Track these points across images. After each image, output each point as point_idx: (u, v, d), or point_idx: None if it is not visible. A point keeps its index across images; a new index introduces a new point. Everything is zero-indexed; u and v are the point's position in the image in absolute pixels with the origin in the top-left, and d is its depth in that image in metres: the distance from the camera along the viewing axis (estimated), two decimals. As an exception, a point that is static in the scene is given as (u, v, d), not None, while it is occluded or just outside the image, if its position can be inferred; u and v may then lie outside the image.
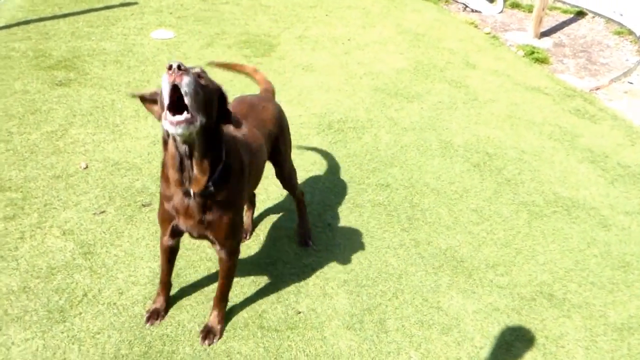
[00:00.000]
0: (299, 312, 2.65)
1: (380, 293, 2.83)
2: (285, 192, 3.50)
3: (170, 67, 1.66)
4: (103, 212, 3.14)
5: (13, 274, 2.66)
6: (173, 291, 2.65)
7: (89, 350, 2.34)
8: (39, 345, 2.33)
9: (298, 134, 4.16)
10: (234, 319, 2.57)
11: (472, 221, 3.48)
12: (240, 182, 2.19)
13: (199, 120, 1.77)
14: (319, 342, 2.51)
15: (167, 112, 1.71)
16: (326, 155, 3.95)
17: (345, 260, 3.02)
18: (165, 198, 2.15)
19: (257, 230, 3.18)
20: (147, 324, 2.47)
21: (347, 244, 3.15)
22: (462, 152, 4.22)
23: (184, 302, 2.64)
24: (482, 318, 2.76)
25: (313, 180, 3.66)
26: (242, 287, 2.76)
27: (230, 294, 2.55)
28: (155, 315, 2.51)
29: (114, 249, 2.88)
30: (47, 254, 2.81)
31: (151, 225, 3.08)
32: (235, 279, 2.75)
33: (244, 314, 2.61)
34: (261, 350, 2.44)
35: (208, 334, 2.44)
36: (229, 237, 2.24)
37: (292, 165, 2.98)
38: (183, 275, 2.78)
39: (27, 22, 5.67)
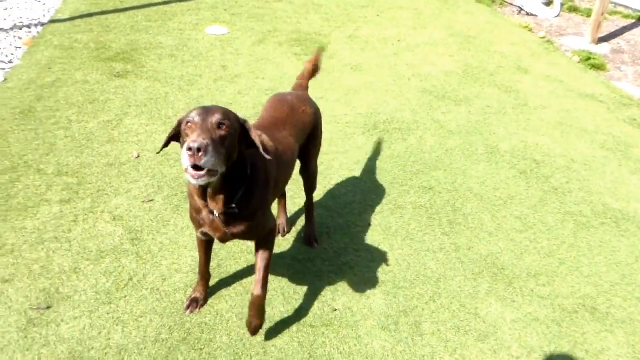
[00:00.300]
0: (335, 310, 2.68)
1: (417, 296, 2.83)
2: (324, 190, 3.54)
3: (190, 149, 1.74)
4: (151, 200, 3.26)
5: (66, 255, 2.80)
6: (213, 281, 2.73)
7: (132, 333, 2.44)
8: (86, 325, 2.46)
9: (343, 133, 4.19)
10: (271, 312, 2.63)
11: (516, 229, 3.43)
12: (265, 193, 2.27)
13: (219, 171, 1.87)
14: (353, 341, 2.53)
15: (189, 168, 1.80)
16: (370, 155, 3.97)
17: (383, 260, 3.03)
18: (194, 209, 2.24)
19: (296, 227, 3.24)
20: (187, 312, 2.56)
21: (386, 244, 3.16)
22: (509, 158, 4.15)
23: (224, 292, 2.71)
24: (520, 328, 2.72)
25: (355, 180, 3.68)
26: (280, 281, 2.81)
27: (269, 287, 2.61)
28: (194, 304, 2.60)
29: (159, 237, 2.99)
30: (97, 237, 2.94)
31: (196, 215, 3.18)
32: (274, 274, 2.81)
33: (280, 308, 2.66)
34: (295, 345, 2.48)
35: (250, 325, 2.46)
36: (258, 234, 2.34)
37: (317, 166, 3.03)
38: (224, 266, 2.86)
39: (89, 15, 5.92)
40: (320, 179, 3.61)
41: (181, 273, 2.77)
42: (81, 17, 5.87)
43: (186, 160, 1.76)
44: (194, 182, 1.84)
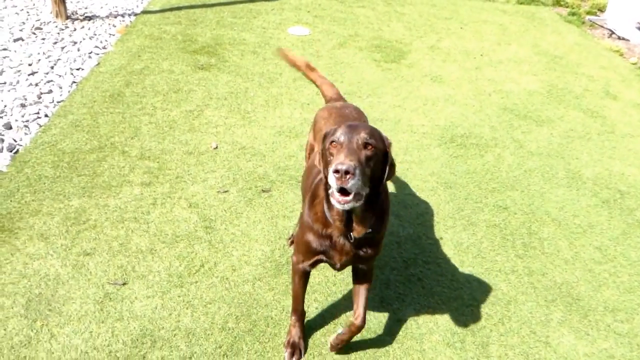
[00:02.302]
0: (399, 320, 2.64)
1: (485, 316, 2.74)
2: (397, 199, 3.50)
3: (337, 171, 1.70)
4: (226, 191, 3.33)
5: (143, 236, 2.90)
6: (280, 277, 2.75)
7: (200, 318, 2.49)
8: (158, 305, 2.53)
9: (419, 143, 4.13)
10: (337, 314, 2.62)
11: (594, 259, 3.26)
12: (389, 216, 2.19)
13: (364, 194, 1.81)
14: (417, 354, 2.48)
15: (335, 192, 1.77)
16: (445, 168, 3.89)
17: (453, 276, 2.96)
18: (317, 235, 2.11)
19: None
20: None
21: (456, 260, 3.08)
22: (591, 185, 3.96)
23: (290, 288, 2.73)
24: (594, 363, 2.58)
25: (429, 191, 3.62)
26: (348, 284, 2.79)
27: (337, 291, 2.60)
28: (297, 352, 2.39)
29: (232, 228, 3.05)
30: (173, 222, 3.03)
31: (267, 210, 3.21)
32: (343, 278, 2.80)
33: (346, 312, 2.64)
34: (359, 350, 2.46)
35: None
36: (375, 259, 2.26)
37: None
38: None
39: (179, 9, 6.14)
40: (393, 187, 3.59)
41: (250, 265, 2.81)
42: (171, 9, 6.11)
43: (333, 182, 1.72)
44: (340, 207, 1.79)
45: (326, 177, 1.88)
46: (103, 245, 2.81)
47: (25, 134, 3.66)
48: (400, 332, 2.57)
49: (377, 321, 2.62)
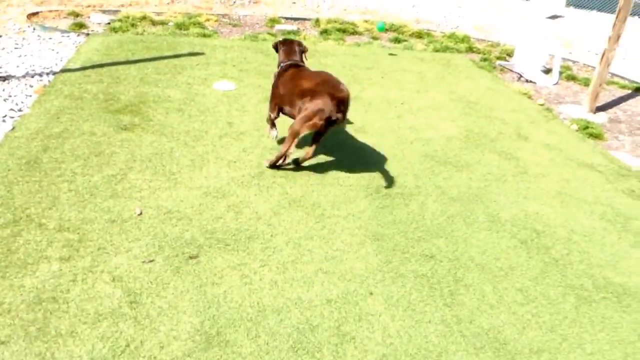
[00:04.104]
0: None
1: (417, 371, 2.78)
2: (326, 255, 3.53)
3: None
4: (152, 260, 3.24)
5: (63, 317, 2.76)
6: (209, 350, 2.68)
7: (126, 402, 2.38)
8: (80, 392, 2.40)
9: (346, 197, 4.22)
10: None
11: (517, 301, 3.40)
12: None
13: None
14: (352, 418, 2.47)
15: None
16: (372, 220, 3.98)
17: (385, 331, 3.00)
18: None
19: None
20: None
21: (387, 314, 3.13)
22: (509, 227, 4.17)
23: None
24: (522, 409, 2.66)
25: (357, 246, 3.68)
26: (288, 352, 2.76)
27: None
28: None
29: (158, 300, 2.96)
30: (96, 299, 2.91)
31: (195, 278, 3.15)
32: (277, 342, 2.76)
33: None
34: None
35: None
36: None
37: None
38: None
39: (100, 66, 6.05)
40: (321, 244, 3.64)
41: (179, 340, 2.72)
42: (92, 67, 6.00)
43: None
44: None
45: None
46: (19, 331, 2.65)
47: None
48: (335, 397, 2.56)
49: (311, 388, 2.60)
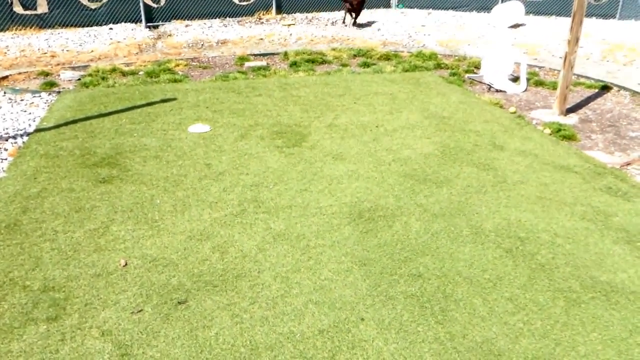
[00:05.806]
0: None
1: (415, 393, 2.78)
2: (314, 286, 3.53)
3: None
4: (140, 310, 3.23)
5: (54, 379, 2.73)
6: None
7: None
8: None
9: (330, 225, 4.24)
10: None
11: (508, 311, 3.43)
12: None
13: None
14: None
15: None
16: (357, 245, 4.01)
17: (379, 356, 2.99)
18: None
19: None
20: None
21: (380, 339, 3.13)
22: (494, 237, 4.21)
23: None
24: (523, 419, 2.66)
25: (345, 274, 3.69)
26: (276, 388, 2.74)
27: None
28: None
29: (150, 350, 2.94)
30: (86, 356, 2.88)
31: (186, 323, 3.14)
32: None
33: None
34: None
35: None
36: None
37: None
38: None
39: (74, 122, 6.08)
40: (309, 275, 3.65)
41: (173, 388, 2.71)
42: (66, 124, 6.03)
43: None
44: None
45: None
46: (9, 399, 2.62)
47: None
48: None
49: (310, 422, 2.58)
